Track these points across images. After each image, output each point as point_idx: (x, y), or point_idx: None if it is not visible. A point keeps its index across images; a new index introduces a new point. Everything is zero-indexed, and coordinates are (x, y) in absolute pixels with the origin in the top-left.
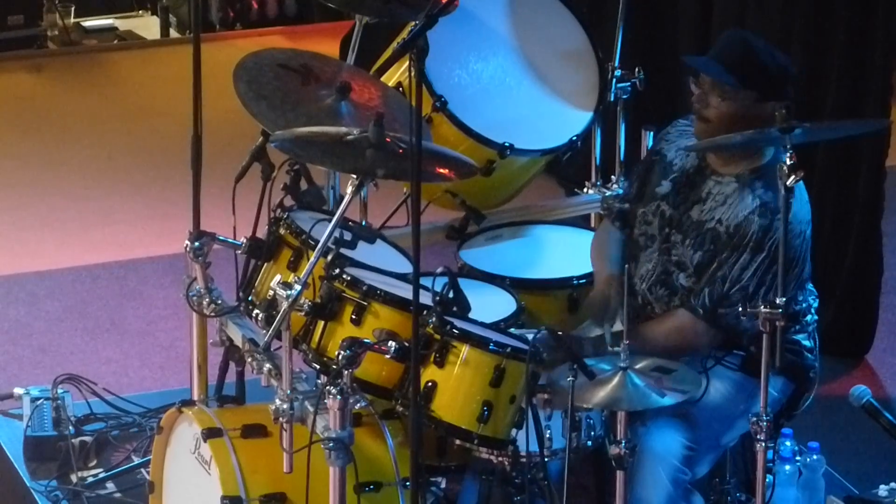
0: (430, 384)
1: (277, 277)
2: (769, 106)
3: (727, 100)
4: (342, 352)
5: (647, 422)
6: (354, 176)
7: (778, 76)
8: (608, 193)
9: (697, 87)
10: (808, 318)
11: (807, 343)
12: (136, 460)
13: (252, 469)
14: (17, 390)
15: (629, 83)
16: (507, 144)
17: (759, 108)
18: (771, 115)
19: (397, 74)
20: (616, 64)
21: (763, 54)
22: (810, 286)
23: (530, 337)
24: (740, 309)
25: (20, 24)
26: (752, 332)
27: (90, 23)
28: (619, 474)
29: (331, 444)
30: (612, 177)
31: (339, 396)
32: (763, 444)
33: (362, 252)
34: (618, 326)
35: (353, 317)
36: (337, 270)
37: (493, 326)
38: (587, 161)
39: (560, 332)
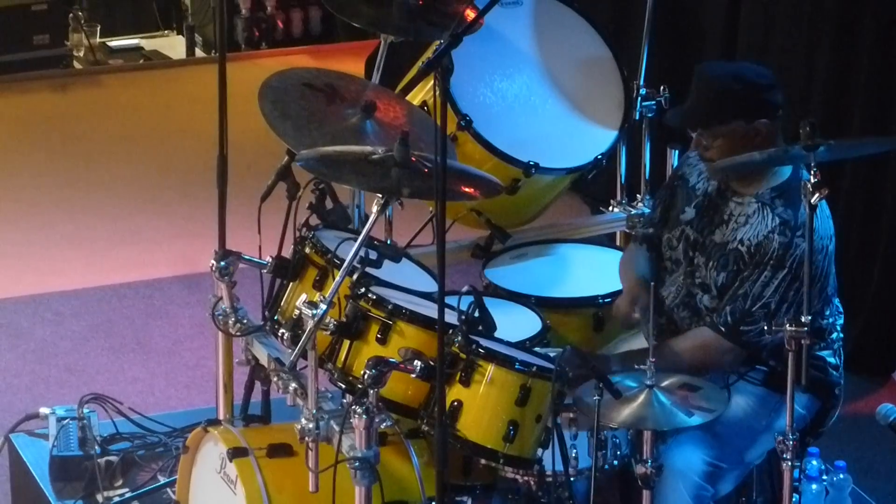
0: (455, 403)
1: (303, 297)
2: (762, 123)
3: (719, 137)
4: (368, 371)
5: (668, 438)
6: (380, 195)
7: (752, 95)
8: (633, 212)
9: (693, 134)
10: (834, 335)
11: (832, 360)
12: (162, 480)
13: (278, 489)
14: (44, 410)
15: (654, 101)
16: (532, 163)
17: (753, 128)
18: (769, 130)
19: (422, 93)
20: (641, 82)
21: (727, 81)
22: (836, 302)
23: (554, 354)
24: (765, 327)
25: (46, 43)
26: (773, 346)
27: (116, 42)
28: (646, 493)
29: (356, 464)
30: (638, 195)
31: (364, 416)
32: (789, 463)
33: (388, 271)
34: (640, 342)
35: (379, 336)
36: (362, 289)
37: (519, 345)
38: (612, 179)
39: (585, 351)
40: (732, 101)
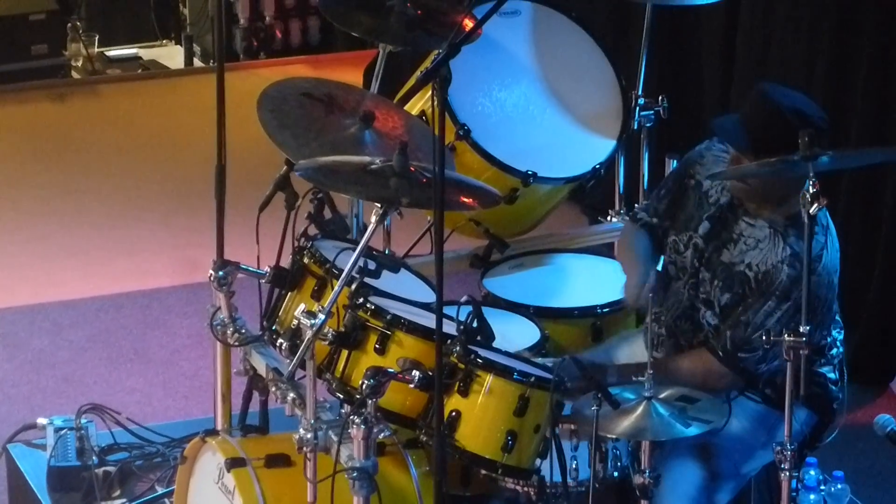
0: (454, 413)
1: (301, 306)
2: None
3: (759, 163)
4: (366, 381)
5: (665, 449)
6: (378, 205)
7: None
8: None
9: (732, 149)
10: (834, 350)
11: (832, 375)
12: (160, 490)
13: (276, 499)
14: (41, 420)
15: (652, 111)
16: (530, 173)
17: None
18: None
19: (421, 103)
20: (639, 92)
21: (788, 113)
22: (837, 317)
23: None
24: (764, 338)
25: (44, 53)
26: (768, 374)
27: (114, 52)
28: None
29: (355, 474)
30: (636, 205)
31: (362, 426)
32: (787, 474)
33: (386, 281)
34: (638, 346)
35: (377, 346)
36: (361, 299)
37: (517, 356)
38: (611, 189)
39: (583, 361)
40: (787, 136)
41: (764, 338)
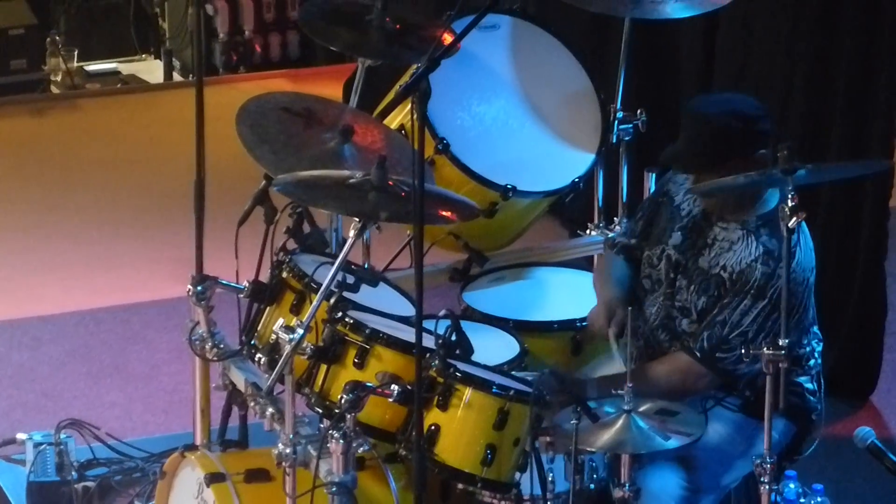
0: (433, 427)
1: (280, 321)
2: (760, 154)
3: (720, 175)
4: (345, 395)
5: (645, 462)
6: (357, 219)
7: (750, 129)
8: (611, 235)
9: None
10: (812, 361)
11: (810, 386)
12: None
13: None
14: (20, 435)
15: (631, 125)
16: (509, 186)
17: (752, 161)
18: (766, 159)
19: (400, 117)
20: (618, 105)
21: (724, 119)
22: (815, 329)
23: (532, 378)
24: (742, 352)
25: (23, 68)
26: (749, 376)
27: (93, 67)
28: None
29: (334, 489)
30: (615, 218)
31: (342, 440)
32: (766, 487)
33: (365, 295)
34: (618, 366)
35: (356, 360)
36: (340, 314)
37: (497, 369)
38: (590, 202)
39: (563, 375)
40: (732, 140)
41: (743, 351)
